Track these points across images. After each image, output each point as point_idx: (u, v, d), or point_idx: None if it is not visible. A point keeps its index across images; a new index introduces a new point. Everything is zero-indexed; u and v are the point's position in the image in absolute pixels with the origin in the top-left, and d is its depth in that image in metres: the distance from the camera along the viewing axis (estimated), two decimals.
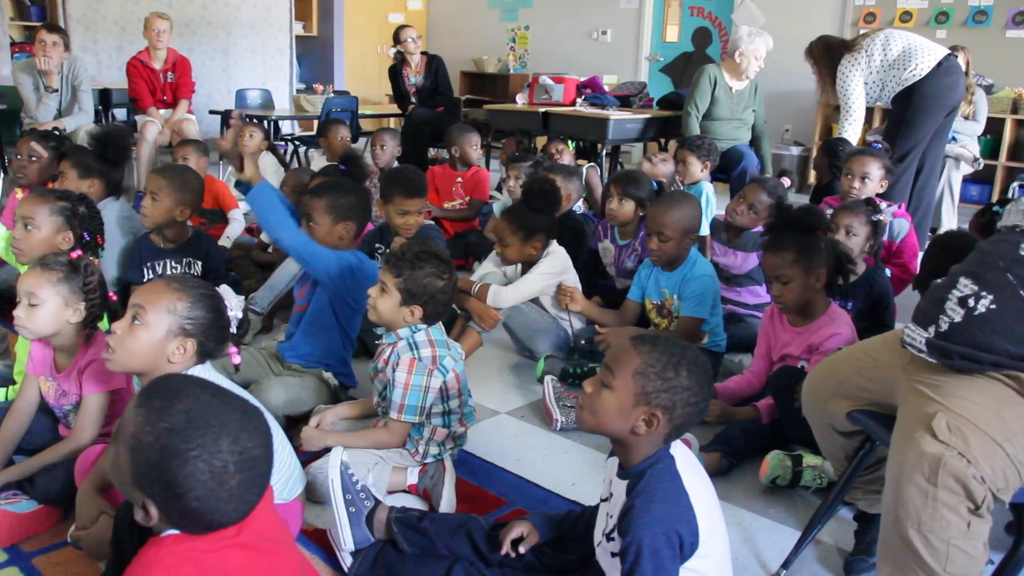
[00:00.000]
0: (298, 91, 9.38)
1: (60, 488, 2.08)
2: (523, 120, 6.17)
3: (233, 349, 1.98)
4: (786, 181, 4.01)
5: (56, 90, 5.49)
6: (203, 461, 1.22)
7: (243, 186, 2.75)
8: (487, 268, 3.42)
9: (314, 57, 9.85)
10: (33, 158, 3.73)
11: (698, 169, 4.53)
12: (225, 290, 1.96)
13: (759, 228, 3.60)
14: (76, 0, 7.89)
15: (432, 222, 3.68)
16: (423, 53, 6.98)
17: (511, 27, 9.92)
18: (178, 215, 3.18)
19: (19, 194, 3.84)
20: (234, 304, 1.95)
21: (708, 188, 4.57)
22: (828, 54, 4.83)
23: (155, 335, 1.82)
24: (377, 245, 3.47)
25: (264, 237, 4.27)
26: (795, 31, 6.48)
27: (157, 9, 7.72)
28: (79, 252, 2.21)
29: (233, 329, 1.95)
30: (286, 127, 7.86)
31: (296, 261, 2.80)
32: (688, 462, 1.65)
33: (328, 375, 2.81)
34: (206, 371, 1.94)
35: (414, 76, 6.91)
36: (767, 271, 2.71)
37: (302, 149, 6.98)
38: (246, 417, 1.29)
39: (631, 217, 3.63)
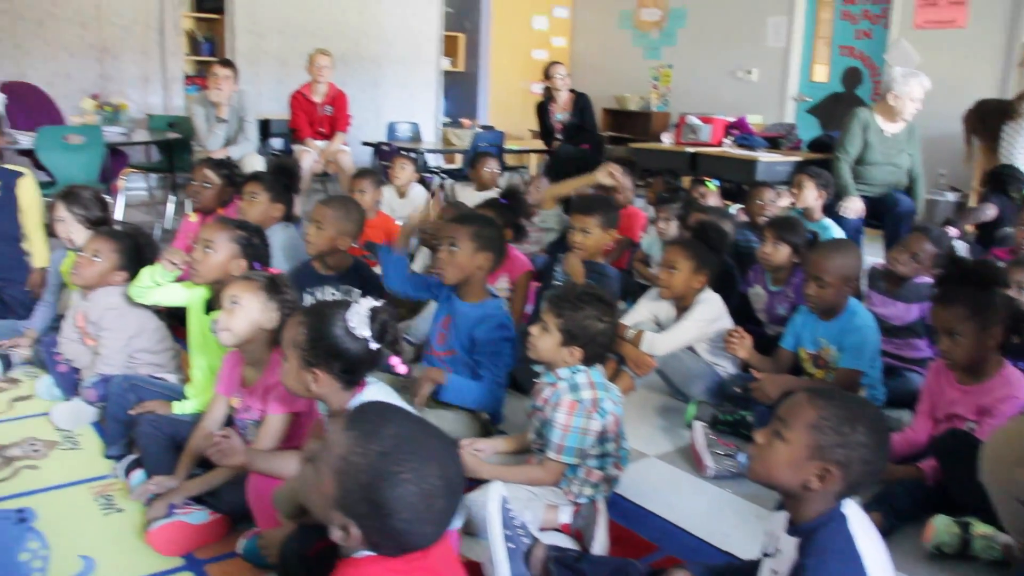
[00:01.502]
0: (443, 125, 9.64)
1: (240, 500, 2.19)
2: (670, 159, 6.16)
3: (395, 359, 2.03)
4: (951, 231, 3.85)
5: (225, 121, 5.81)
6: (413, 484, 1.27)
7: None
8: (640, 312, 3.41)
9: (459, 92, 10.10)
10: (207, 184, 3.97)
11: (813, 196, 4.44)
12: (354, 309, 1.99)
13: (922, 279, 3.47)
14: (243, 37, 8.37)
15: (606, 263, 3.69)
16: (570, 90, 7.04)
17: (654, 65, 9.92)
18: (340, 244, 3.31)
19: (192, 218, 4.09)
20: (357, 321, 1.96)
21: (834, 228, 4.45)
22: (985, 121, 4.59)
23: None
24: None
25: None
26: (953, 71, 6.23)
27: (315, 45, 8.12)
28: (277, 271, 2.37)
29: (372, 345, 1.98)
30: (431, 159, 8.08)
31: None
32: (861, 523, 1.60)
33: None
34: (386, 393, 2.02)
35: (561, 112, 6.97)
36: (937, 325, 2.61)
37: (448, 181, 7.16)
38: (445, 444, 1.35)
39: (785, 262, 3.56)
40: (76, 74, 7.55)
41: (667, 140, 6.82)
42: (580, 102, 6.98)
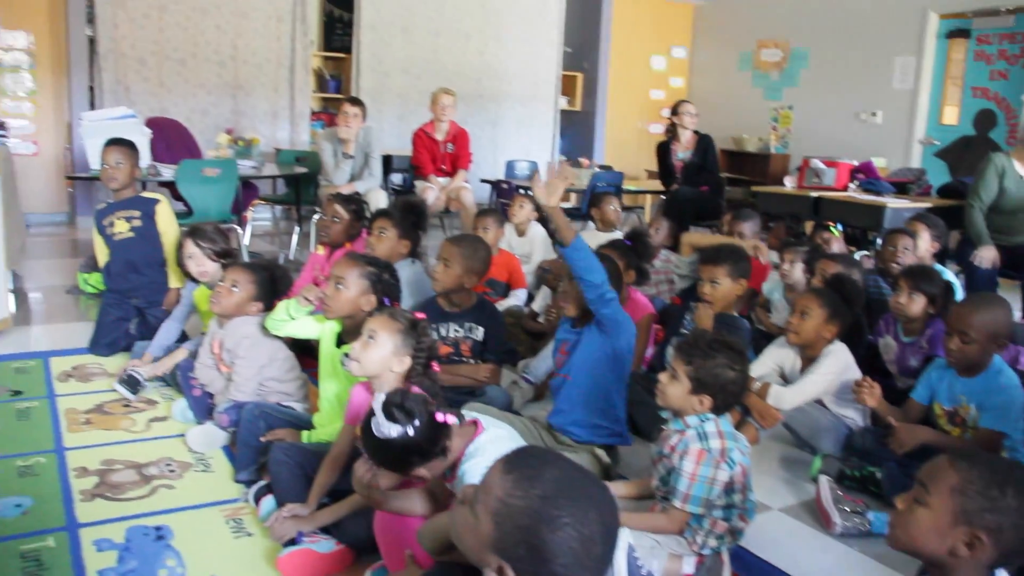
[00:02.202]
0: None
1: (364, 532, 2.22)
2: (792, 204, 6.04)
3: (442, 415, 2.00)
4: None
5: (352, 157, 6.00)
6: (574, 529, 1.26)
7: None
8: (765, 362, 3.34)
9: (576, 131, 10.17)
10: (336, 219, 4.09)
11: (926, 245, 4.26)
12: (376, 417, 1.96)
13: None
14: (368, 75, 8.66)
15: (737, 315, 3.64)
16: (694, 132, 6.98)
17: (774, 106, 9.78)
18: (466, 282, 3.35)
19: (319, 251, 4.22)
20: (382, 426, 1.95)
21: (948, 277, 4.27)
22: None
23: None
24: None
25: (536, 306, 4.42)
26: None
27: (438, 84, 8.33)
28: (422, 315, 2.42)
29: (409, 431, 1.95)
30: None
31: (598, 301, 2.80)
32: None
33: (600, 452, 2.84)
34: (507, 431, 2.04)
35: (683, 151, 6.90)
36: None
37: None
38: (602, 490, 1.34)
39: (920, 313, 3.44)
40: (212, 110, 7.95)
41: (789, 184, 6.68)
42: (703, 142, 6.89)
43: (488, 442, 2.00)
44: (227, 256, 3.56)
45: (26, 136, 7.39)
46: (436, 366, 2.48)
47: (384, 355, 2.39)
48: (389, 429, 1.92)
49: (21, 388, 3.57)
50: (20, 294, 4.94)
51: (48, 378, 3.71)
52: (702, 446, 2.26)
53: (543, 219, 5.60)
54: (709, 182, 6.79)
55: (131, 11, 7.45)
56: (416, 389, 2.32)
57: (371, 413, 1.96)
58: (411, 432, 1.92)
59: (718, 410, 2.32)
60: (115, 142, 4.17)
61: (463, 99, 8.75)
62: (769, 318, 4.22)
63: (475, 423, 2.07)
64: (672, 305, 4.27)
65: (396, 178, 7.75)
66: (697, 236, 4.54)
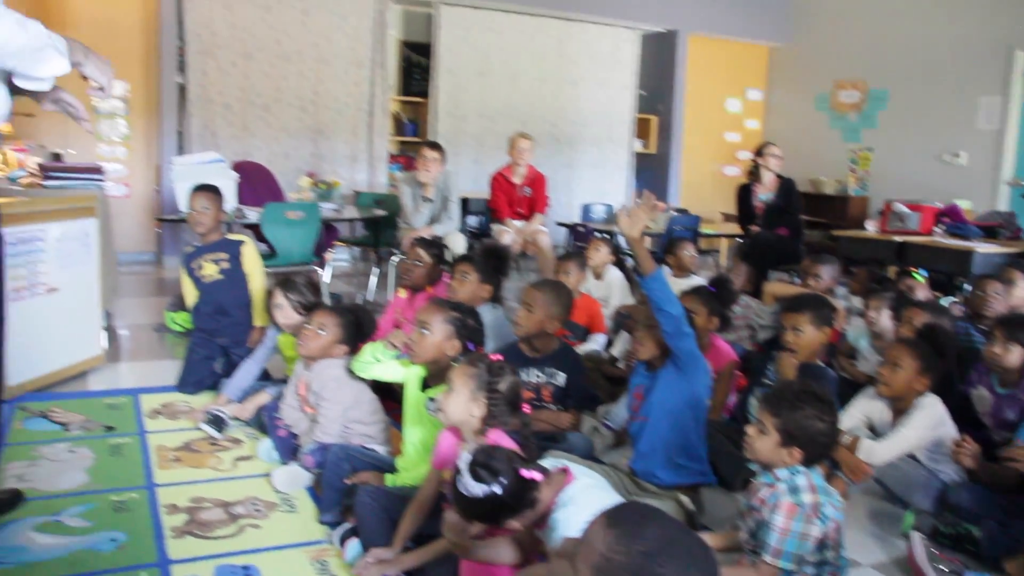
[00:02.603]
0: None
1: None
2: (875, 248, 5.92)
3: (527, 472, 2.02)
4: None
5: (431, 200, 6.08)
6: None
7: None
8: (853, 415, 3.25)
9: (650, 173, 10.15)
10: (418, 263, 4.15)
11: (1023, 290, 4.12)
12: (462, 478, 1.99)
13: None
14: (444, 119, 8.81)
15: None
16: (777, 175, 6.89)
17: (853, 148, 9.65)
18: (548, 327, 3.36)
19: (401, 294, 4.28)
20: (469, 486, 1.97)
21: None
22: None
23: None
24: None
25: (615, 351, 4.41)
26: None
27: (513, 127, 8.45)
28: (499, 357, 2.43)
29: (496, 489, 1.96)
30: (624, 241, 8.12)
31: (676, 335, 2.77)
32: None
33: (685, 499, 2.80)
34: (595, 481, 2.02)
35: (764, 193, 6.80)
36: None
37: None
38: (703, 548, 1.33)
39: (1017, 364, 3.32)
40: (293, 153, 8.17)
41: (871, 228, 6.55)
42: (786, 185, 6.77)
43: (579, 491, 1.99)
44: (314, 308, 3.62)
45: (118, 179, 7.69)
46: (527, 407, 2.48)
47: (462, 402, 2.41)
48: (475, 488, 1.94)
49: (114, 424, 3.67)
50: (111, 331, 5.10)
51: (139, 415, 3.81)
52: (794, 500, 2.21)
53: (620, 263, 5.61)
54: (789, 225, 6.68)
55: (220, 60, 7.74)
56: (502, 435, 2.33)
57: (457, 471, 1.97)
58: (498, 490, 1.94)
59: (808, 462, 2.27)
60: (202, 188, 4.31)
61: (538, 142, 8.85)
62: (854, 366, 4.13)
63: (565, 471, 2.06)
64: (753, 352, 4.21)
65: (472, 220, 7.82)
66: (779, 286, 4.47)
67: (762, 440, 2.28)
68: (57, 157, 6.17)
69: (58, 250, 4.06)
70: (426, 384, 2.92)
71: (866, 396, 3.29)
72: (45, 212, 4.02)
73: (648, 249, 2.77)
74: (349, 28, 8.28)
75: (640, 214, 2.69)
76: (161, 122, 7.72)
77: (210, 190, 4.31)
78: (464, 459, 1.99)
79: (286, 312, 3.61)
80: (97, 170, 4.91)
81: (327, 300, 4.44)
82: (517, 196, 6.68)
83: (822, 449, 2.29)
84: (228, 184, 5.54)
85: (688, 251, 5.32)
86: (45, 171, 4.80)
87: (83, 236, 4.26)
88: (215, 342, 4.18)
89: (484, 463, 1.95)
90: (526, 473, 1.97)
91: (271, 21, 7.94)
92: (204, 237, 4.30)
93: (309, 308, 3.55)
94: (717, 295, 3.28)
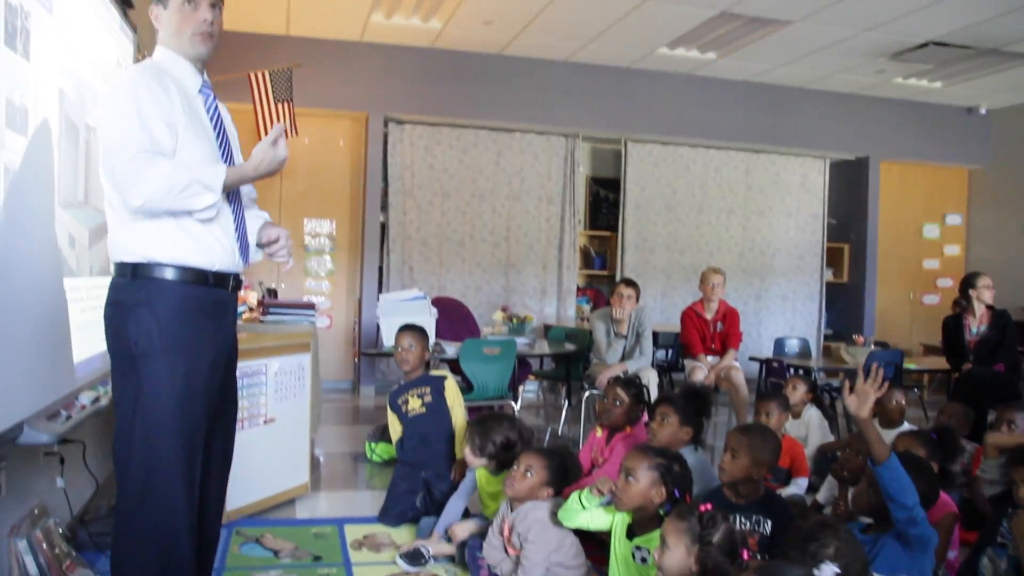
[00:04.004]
0: (825, 337, 9.37)
1: None
2: None
3: None
4: None
5: (625, 337, 6.12)
6: None
7: None
8: None
9: (843, 304, 9.81)
10: (618, 402, 4.15)
11: None
12: None
13: None
14: (632, 252, 8.93)
15: None
16: (988, 307, 6.50)
17: None
18: (755, 473, 3.26)
19: (599, 432, 4.27)
20: None
21: None
22: None
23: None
24: None
25: (820, 497, 4.20)
26: None
27: (700, 259, 8.46)
28: (708, 506, 2.40)
29: None
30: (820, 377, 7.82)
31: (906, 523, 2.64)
32: None
33: None
34: None
35: (976, 326, 6.42)
36: None
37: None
38: None
39: None
40: (485, 286, 8.48)
41: None
42: (1002, 317, 6.34)
43: None
44: (511, 449, 3.70)
45: (323, 311, 8.20)
46: (746, 554, 2.41)
47: (679, 557, 2.39)
48: None
49: (321, 554, 3.80)
50: (313, 460, 5.34)
51: (344, 545, 3.93)
52: None
53: (818, 400, 5.39)
54: (1006, 360, 6.23)
55: (419, 199, 8.25)
56: None
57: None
58: None
59: None
60: (408, 327, 4.54)
61: (726, 274, 8.81)
62: None
63: None
64: (971, 501, 3.90)
65: (660, 355, 7.77)
66: (1003, 437, 4.14)
67: None
68: (273, 293, 6.65)
69: (277, 383, 4.36)
70: (631, 532, 2.88)
71: None
72: (268, 348, 4.33)
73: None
74: (540, 167, 8.66)
75: (868, 391, 2.59)
76: (363, 258, 8.23)
77: (416, 330, 4.53)
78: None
79: (472, 461, 3.75)
80: (310, 306, 5.26)
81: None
82: (709, 332, 6.61)
83: None
84: (428, 320, 5.78)
85: (895, 400, 4.82)
86: (264, 307, 5.19)
87: (299, 369, 4.55)
88: (419, 476, 4.30)
89: None
90: None
91: (468, 162, 8.43)
92: (408, 374, 4.49)
93: (493, 456, 3.66)
94: (940, 442, 3.08)
